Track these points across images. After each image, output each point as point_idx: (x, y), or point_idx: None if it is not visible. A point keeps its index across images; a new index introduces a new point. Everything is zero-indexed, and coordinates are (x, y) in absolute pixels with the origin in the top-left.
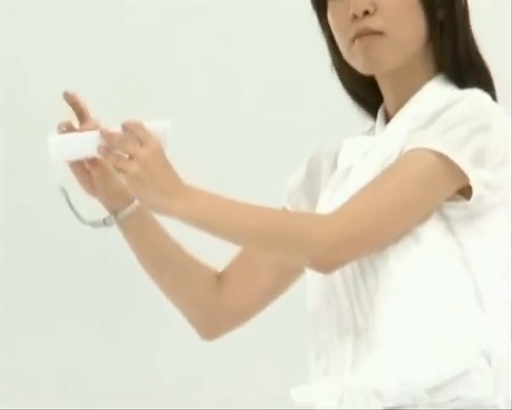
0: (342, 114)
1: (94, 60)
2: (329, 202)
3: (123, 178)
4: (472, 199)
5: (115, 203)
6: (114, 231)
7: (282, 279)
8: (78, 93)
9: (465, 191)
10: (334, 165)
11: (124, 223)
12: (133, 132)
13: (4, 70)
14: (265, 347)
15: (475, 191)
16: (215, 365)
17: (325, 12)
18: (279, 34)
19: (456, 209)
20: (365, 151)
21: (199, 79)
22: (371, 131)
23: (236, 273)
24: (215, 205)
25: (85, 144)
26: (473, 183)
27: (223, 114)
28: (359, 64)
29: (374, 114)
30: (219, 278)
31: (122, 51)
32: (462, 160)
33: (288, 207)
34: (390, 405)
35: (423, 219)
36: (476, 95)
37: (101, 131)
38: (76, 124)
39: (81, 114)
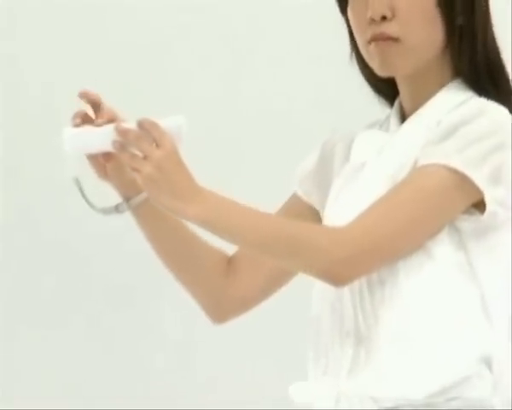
0: (344, 115)
1: (94, 59)
2: (337, 198)
3: (136, 177)
4: (485, 214)
5: (128, 190)
6: (114, 231)
7: None
8: (88, 89)
9: (478, 205)
10: (348, 154)
11: (136, 210)
12: (148, 131)
13: (4, 70)
14: (265, 347)
15: (489, 208)
16: (215, 365)
17: (347, 4)
18: (280, 34)
19: (468, 222)
20: (379, 148)
21: (199, 78)
22: (385, 122)
23: (245, 258)
24: (229, 210)
25: (100, 139)
26: (488, 200)
27: (223, 113)
28: (375, 66)
29: (391, 103)
30: (229, 262)
31: (122, 51)
32: (479, 177)
33: (300, 193)
34: (386, 406)
35: (435, 233)
36: (496, 111)
37: (116, 127)
38: (91, 113)
39: (95, 106)
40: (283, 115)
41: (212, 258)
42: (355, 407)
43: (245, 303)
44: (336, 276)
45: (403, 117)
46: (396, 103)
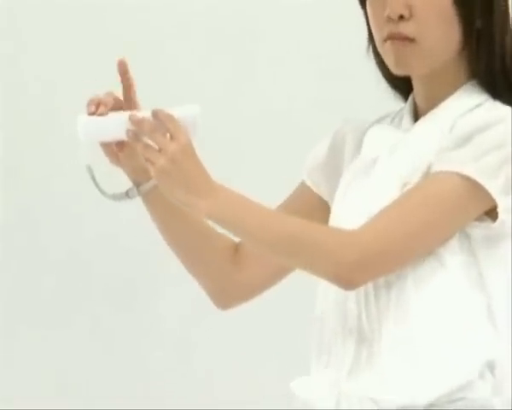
0: (345, 114)
1: (94, 59)
2: (346, 193)
3: (150, 169)
4: (497, 223)
5: (139, 176)
6: (115, 231)
7: None
8: (127, 63)
9: (490, 212)
10: (359, 146)
11: (147, 195)
12: (163, 123)
13: (4, 70)
14: (265, 346)
15: (501, 216)
16: (214, 364)
17: None
18: (280, 33)
19: (479, 229)
20: (391, 146)
21: (199, 78)
22: (397, 117)
23: None
24: (242, 207)
25: (114, 128)
26: (500, 209)
27: (223, 113)
28: (390, 64)
29: (404, 97)
30: (237, 248)
31: (123, 51)
32: (493, 187)
33: (308, 184)
34: (387, 407)
35: (446, 239)
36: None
37: (131, 116)
38: (120, 95)
39: (127, 90)
40: (283, 115)
41: (220, 244)
42: (355, 408)
43: (251, 289)
44: (345, 279)
45: (415, 115)
46: (409, 100)
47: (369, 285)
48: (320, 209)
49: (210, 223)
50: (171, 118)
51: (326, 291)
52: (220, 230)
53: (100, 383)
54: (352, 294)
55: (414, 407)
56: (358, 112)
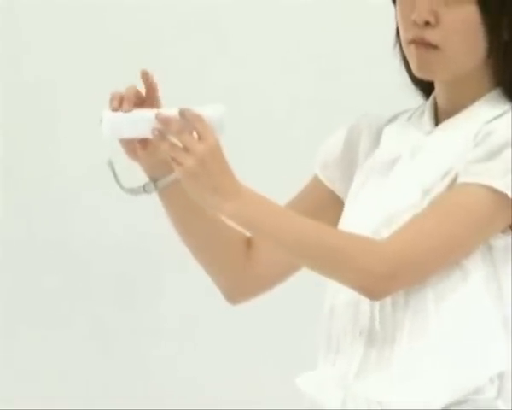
0: (343, 115)
1: (95, 60)
2: (362, 189)
3: (177, 169)
4: None
5: (156, 171)
6: (115, 231)
7: None
8: (149, 72)
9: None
10: (375, 143)
11: (163, 190)
12: (191, 123)
13: (5, 70)
14: (267, 347)
15: None
16: (216, 364)
17: None
18: (278, 33)
19: (501, 240)
20: (413, 149)
21: (198, 78)
22: (415, 115)
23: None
24: (268, 212)
25: (139, 125)
26: None
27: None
28: (413, 67)
29: (426, 96)
30: (249, 243)
31: (123, 51)
32: None
33: (322, 179)
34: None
35: (472, 251)
36: None
37: (158, 115)
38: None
39: (150, 90)
40: (284, 114)
41: (234, 239)
42: (361, 408)
43: (263, 284)
44: (373, 290)
45: (436, 116)
46: (430, 100)
47: (388, 304)
48: (332, 205)
49: (223, 218)
50: (199, 118)
51: (336, 288)
52: (233, 225)
53: (100, 383)
54: (365, 306)
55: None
56: (358, 111)
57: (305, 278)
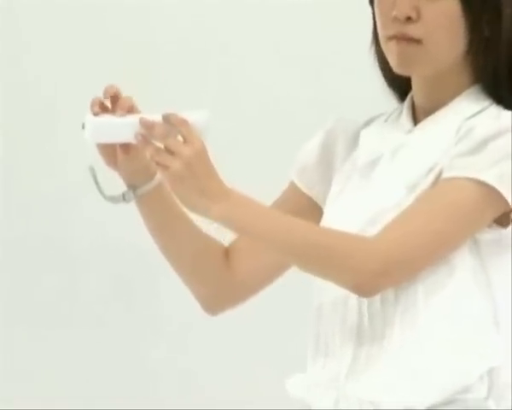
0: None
1: (95, 60)
2: (342, 192)
3: (162, 173)
4: (509, 228)
5: (135, 179)
6: (115, 231)
7: None
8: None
9: (499, 218)
10: (352, 147)
11: (141, 199)
12: (175, 127)
13: (5, 70)
14: (266, 346)
15: None
16: (215, 365)
17: None
18: (277, 33)
19: (488, 234)
20: (393, 149)
21: (197, 78)
22: (392, 116)
23: (242, 249)
24: (256, 213)
25: (122, 130)
26: None
27: (220, 113)
28: (393, 63)
29: (401, 97)
30: (227, 252)
31: (123, 51)
32: (510, 193)
33: (300, 185)
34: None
35: (461, 245)
36: None
37: (141, 119)
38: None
39: (114, 98)
40: (277, 115)
41: (211, 248)
42: (353, 408)
43: (242, 294)
44: (365, 288)
45: (414, 115)
46: (408, 100)
47: (377, 300)
48: (310, 211)
49: (201, 227)
50: (184, 121)
51: (323, 287)
52: (212, 234)
53: (99, 383)
54: (353, 303)
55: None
56: (351, 110)
57: (300, 277)
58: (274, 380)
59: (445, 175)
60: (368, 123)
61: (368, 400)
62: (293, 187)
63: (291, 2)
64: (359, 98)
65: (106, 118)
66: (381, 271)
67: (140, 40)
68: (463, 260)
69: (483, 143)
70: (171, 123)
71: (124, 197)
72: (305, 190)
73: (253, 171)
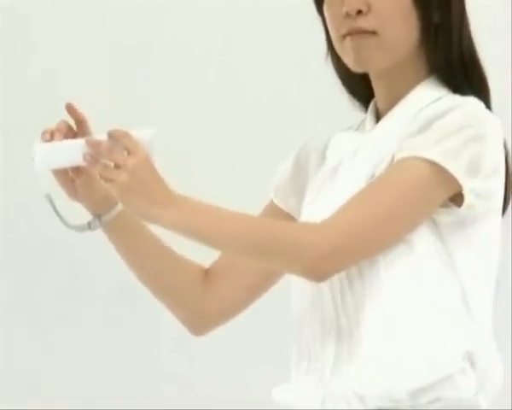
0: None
1: (93, 59)
2: (315, 200)
3: (110, 187)
4: (463, 207)
5: (99, 208)
6: None
7: (267, 276)
8: (75, 104)
9: (456, 198)
10: (322, 159)
11: (108, 226)
12: (119, 141)
13: (5, 69)
14: (265, 346)
15: (467, 200)
16: (213, 365)
17: (323, 2)
18: (276, 33)
19: (446, 215)
20: (355, 149)
21: (196, 78)
22: (361, 125)
23: (221, 270)
24: (205, 214)
25: (71, 153)
26: (465, 192)
27: (219, 112)
28: (350, 61)
29: (365, 106)
30: (206, 274)
31: (123, 50)
32: (456, 169)
33: (276, 202)
34: (371, 407)
35: (415, 226)
36: (471, 103)
37: (87, 140)
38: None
39: (79, 123)
40: (268, 116)
41: (188, 271)
42: (341, 407)
43: (223, 315)
44: (318, 273)
45: (378, 118)
46: (371, 105)
47: (343, 277)
48: None
49: (176, 250)
50: (127, 134)
51: (299, 290)
52: (188, 256)
53: (99, 383)
54: (325, 289)
55: (395, 401)
56: (350, 110)
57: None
58: (262, 383)
59: (396, 157)
60: (341, 132)
61: (353, 392)
62: (271, 204)
63: (291, 3)
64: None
65: (53, 143)
66: (329, 254)
67: (140, 41)
68: (423, 240)
69: (428, 123)
70: (115, 138)
71: (89, 226)
72: (281, 205)
73: (253, 171)
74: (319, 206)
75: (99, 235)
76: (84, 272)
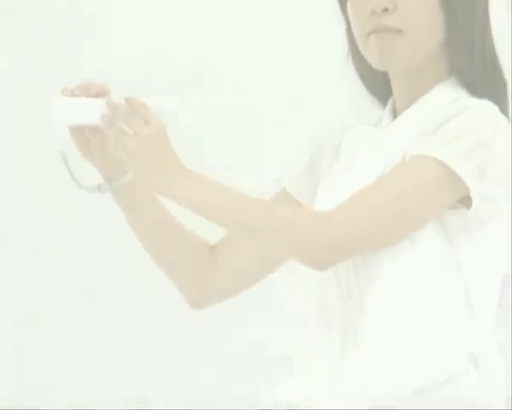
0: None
1: (92, 60)
2: (328, 193)
3: (121, 153)
4: (471, 209)
5: (110, 172)
6: (113, 230)
7: (269, 260)
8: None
9: (464, 200)
10: (336, 156)
11: (117, 192)
12: (137, 110)
13: (5, 69)
14: (264, 345)
15: (475, 203)
16: (211, 363)
17: (346, 1)
18: (277, 33)
19: (453, 217)
20: (371, 144)
21: (195, 78)
22: (378, 122)
23: (226, 249)
24: (214, 191)
25: (89, 111)
26: (473, 195)
27: (221, 112)
28: (374, 59)
29: (383, 103)
30: (211, 250)
31: (123, 51)
32: (464, 171)
33: (291, 192)
34: (376, 405)
35: (420, 226)
36: (485, 107)
37: (108, 100)
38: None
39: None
40: (278, 116)
41: (194, 244)
42: (345, 407)
43: (224, 291)
44: (319, 261)
45: (395, 115)
46: (389, 102)
47: (350, 267)
48: None
49: (183, 224)
50: (143, 105)
51: (305, 294)
52: (195, 231)
53: (99, 383)
54: (332, 282)
55: (399, 399)
56: (351, 110)
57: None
58: (273, 380)
59: (406, 155)
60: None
61: (358, 390)
62: (283, 191)
63: (291, 3)
64: (361, 98)
65: (73, 98)
66: (331, 243)
67: (140, 41)
68: (429, 240)
69: (442, 124)
70: (133, 105)
71: (100, 189)
72: (297, 196)
73: (253, 171)
74: (332, 199)
75: (98, 234)
76: (84, 272)
